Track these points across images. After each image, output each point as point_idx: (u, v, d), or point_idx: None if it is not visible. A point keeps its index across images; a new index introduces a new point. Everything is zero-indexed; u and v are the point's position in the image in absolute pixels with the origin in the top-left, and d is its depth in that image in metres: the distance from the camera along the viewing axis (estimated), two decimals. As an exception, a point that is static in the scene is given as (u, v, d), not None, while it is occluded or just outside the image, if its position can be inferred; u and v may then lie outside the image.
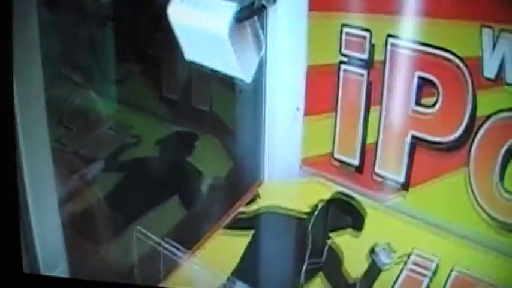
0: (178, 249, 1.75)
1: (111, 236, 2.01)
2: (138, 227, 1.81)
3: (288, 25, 1.87)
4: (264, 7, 1.70)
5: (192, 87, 2.15)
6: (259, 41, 1.77)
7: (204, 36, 1.74)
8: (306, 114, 1.93)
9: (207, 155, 2.17)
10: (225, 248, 1.86)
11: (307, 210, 1.89)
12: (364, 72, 1.77)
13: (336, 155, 1.89)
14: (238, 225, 1.90)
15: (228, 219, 1.91)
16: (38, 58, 1.78)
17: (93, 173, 2.13)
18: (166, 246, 1.75)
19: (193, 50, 1.83)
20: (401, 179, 1.77)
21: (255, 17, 1.73)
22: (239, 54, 1.71)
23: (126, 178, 2.15)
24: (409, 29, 1.66)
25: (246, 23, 1.70)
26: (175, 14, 1.77)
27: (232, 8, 1.67)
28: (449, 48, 1.60)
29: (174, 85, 2.16)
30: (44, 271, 1.81)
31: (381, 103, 1.76)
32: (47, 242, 1.75)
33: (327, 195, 1.91)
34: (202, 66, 1.82)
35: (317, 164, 1.94)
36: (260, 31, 1.75)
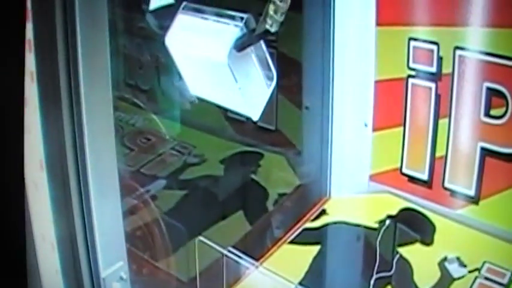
0: (242, 259, 1.97)
1: (173, 249, 2.28)
2: (200, 238, 1.95)
3: (355, 40, 2.12)
4: (267, 32, 1.58)
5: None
6: (268, 72, 1.65)
7: (204, 66, 1.70)
8: (374, 129, 2.18)
9: (272, 173, 2.43)
10: (290, 260, 2.05)
11: (375, 225, 2.10)
12: (432, 85, 2.01)
13: (405, 170, 2.13)
14: (304, 240, 2.11)
15: (294, 235, 2.14)
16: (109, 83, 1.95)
17: (154, 191, 2.39)
18: (230, 256, 1.97)
19: (196, 84, 1.82)
20: (472, 192, 1.99)
21: (262, 45, 1.63)
22: (243, 87, 1.62)
23: (188, 195, 2.40)
24: (476, 39, 1.89)
25: (250, 50, 1.61)
26: (173, 42, 1.73)
27: (232, 34, 1.58)
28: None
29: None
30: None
31: (449, 116, 1.98)
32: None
33: (395, 210, 2.14)
34: (208, 103, 1.80)
35: (386, 179, 2.18)
36: (269, 60, 1.64)
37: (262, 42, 1.60)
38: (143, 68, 2.75)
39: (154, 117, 2.66)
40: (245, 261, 1.93)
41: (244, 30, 1.56)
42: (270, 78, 1.64)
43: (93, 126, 1.78)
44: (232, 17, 1.57)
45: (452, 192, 2.04)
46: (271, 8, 1.49)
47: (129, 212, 2.26)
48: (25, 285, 1.91)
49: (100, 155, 1.81)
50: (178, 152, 2.60)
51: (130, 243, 2.15)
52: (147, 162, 2.53)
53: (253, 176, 2.46)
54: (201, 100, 1.80)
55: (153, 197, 2.33)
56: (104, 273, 1.84)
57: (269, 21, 1.51)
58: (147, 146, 2.61)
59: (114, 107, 2.40)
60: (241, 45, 1.57)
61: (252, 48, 1.61)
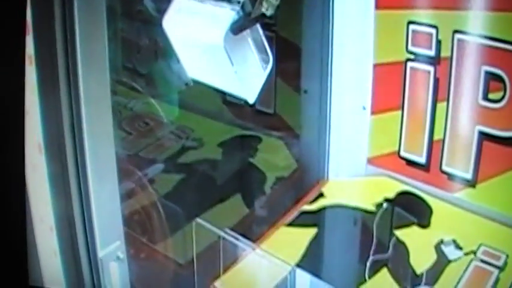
0: (239, 241, 2.00)
1: (171, 232, 2.34)
2: (198, 220, 2.01)
3: (354, 24, 2.18)
4: (263, 16, 1.63)
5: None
6: (264, 55, 1.71)
7: (201, 49, 1.74)
8: (372, 113, 2.24)
9: (270, 157, 2.50)
10: (288, 242, 2.11)
11: (373, 207, 2.17)
12: (431, 68, 2.07)
13: (403, 153, 2.19)
14: (301, 222, 2.17)
15: (291, 217, 2.19)
16: (106, 67, 1.88)
17: (152, 175, 2.44)
18: (227, 238, 2.01)
19: (193, 66, 1.87)
20: (469, 175, 2.06)
21: (258, 28, 1.69)
22: (239, 70, 1.67)
23: (186, 179, 2.46)
24: (475, 23, 1.94)
25: (247, 33, 1.67)
26: (171, 25, 1.78)
27: (228, 17, 1.63)
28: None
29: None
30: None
31: (447, 99, 2.04)
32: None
33: (392, 193, 2.20)
34: (205, 86, 1.86)
35: (383, 162, 2.25)
36: (265, 43, 1.70)
37: (258, 25, 1.66)
38: (141, 51, 2.80)
39: (152, 101, 2.72)
40: (242, 244, 1.99)
41: (241, 13, 1.61)
42: (266, 62, 1.70)
43: (91, 109, 1.83)
44: (229, 0, 1.63)
45: (450, 176, 2.11)
46: (268, -9, 1.54)
47: (127, 196, 2.31)
48: (25, 267, 1.98)
49: (98, 137, 1.86)
50: (177, 135, 2.66)
51: (129, 226, 2.22)
52: (145, 146, 2.59)
53: (251, 160, 2.53)
54: (198, 83, 1.85)
55: (151, 181, 2.39)
56: (101, 253, 1.90)
57: (265, 4, 1.57)
58: (146, 130, 2.67)
59: (113, 91, 2.47)
60: (237, 29, 1.62)
61: (248, 31, 1.67)
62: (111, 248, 1.91)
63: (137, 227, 2.29)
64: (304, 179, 2.38)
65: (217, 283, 2.00)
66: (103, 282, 1.93)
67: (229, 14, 1.63)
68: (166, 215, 2.29)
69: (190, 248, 2.07)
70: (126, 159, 2.47)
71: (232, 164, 2.53)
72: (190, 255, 2.09)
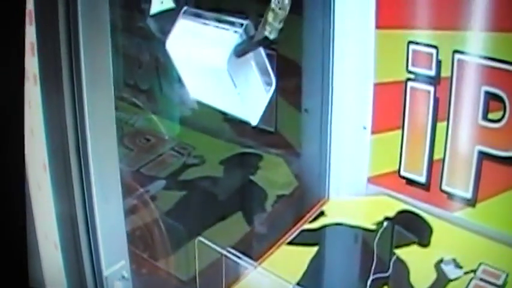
0: (241, 259, 2.03)
1: (173, 249, 2.37)
2: (200, 238, 2.07)
3: (355, 43, 2.21)
4: (266, 39, 1.63)
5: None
6: (267, 78, 1.72)
7: (204, 71, 1.76)
8: (373, 132, 2.27)
9: (271, 175, 2.53)
10: (289, 260, 2.14)
11: (373, 226, 2.20)
12: (431, 88, 2.10)
13: (403, 173, 2.22)
14: (302, 241, 2.20)
15: (292, 236, 2.23)
16: (111, 86, 1.94)
17: (153, 192, 2.48)
18: (229, 256, 2.05)
19: (195, 87, 1.90)
20: (469, 194, 2.09)
21: (261, 51, 1.70)
22: (242, 92, 1.69)
23: (188, 196, 2.49)
24: (475, 43, 1.98)
25: (250, 56, 1.68)
26: (174, 47, 1.81)
27: (231, 40, 1.65)
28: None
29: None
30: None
31: (447, 119, 2.08)
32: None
33: (393, 212, 2.24)
34: (208, 107, 1.89)
35: (384, 181, 2.28)
36: (268, 66, 1.72)
37: (261, 48, 1.69)
38: (142, 67, 2.84)
39: (153, 117, 2.75)
40: (244, 262, 2.02)
41: (244, 36, 1.65)
42: (269, 84, 1.73)
43: (96, 128, 1.86)
44: (232, 23, 1.66)
45: (450, 195, 2.14)
46: (270, 15, 1.57)
47: (129, 212, 2.34)
48: (26, 284, 2.00)
49: (102, 156, 1.89)
50: (178, 152, 2.69)
51: (131, 243, 2.24)
52: (146, 162, 2.63)
53: (252, 177, 2.56)
54: (200, 104, 1.88)
55: (153, 197, 2.42)
56: (106, 272, 1.93)
57: (268, 28, 1.59)
58: (147, 146, 2.70)
59: (114, 107, 2.50)
60: (240, 52, 1.65)
61: (251, 54, 1.69)
62: (116, 267, 1.94)
63: (139, 243, 2.31)
64: (305, 197, 2.41)
65: (219, 301, 2.03)
66: (108, 301, 1.96)
67: (232, 37, 1.66)
68: (168, 231, 2.31)
69: (192, 265, 2.10)
70: (127, 175, 2.50)
71: (234, 182, 2.56)
72: (192, 273, 2.12)
